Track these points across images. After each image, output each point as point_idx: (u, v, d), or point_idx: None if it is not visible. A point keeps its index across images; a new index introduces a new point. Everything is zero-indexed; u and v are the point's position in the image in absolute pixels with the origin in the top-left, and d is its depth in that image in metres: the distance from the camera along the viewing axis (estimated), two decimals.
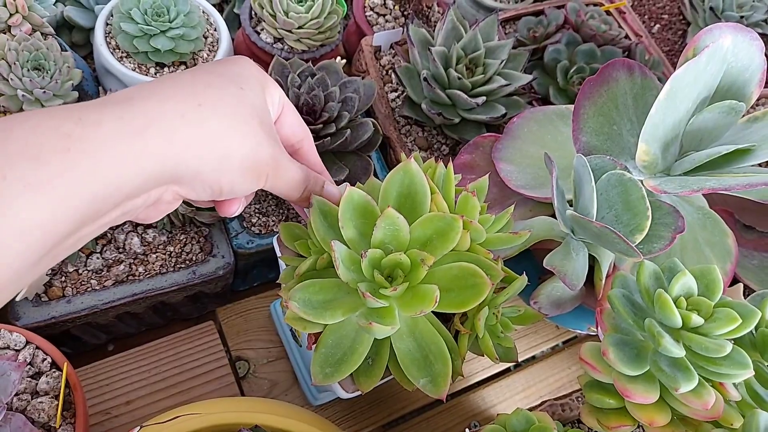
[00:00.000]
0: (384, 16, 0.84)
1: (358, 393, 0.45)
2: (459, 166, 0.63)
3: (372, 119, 0.62)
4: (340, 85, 0.63)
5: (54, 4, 0.76)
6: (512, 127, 0.62)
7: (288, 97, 0.60)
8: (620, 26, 0.88)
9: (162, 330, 0.64)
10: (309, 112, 0.61)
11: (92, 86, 0.69)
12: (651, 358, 0.35)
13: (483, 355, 0.46)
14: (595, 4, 0.92)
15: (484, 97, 0.67)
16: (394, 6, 0.85)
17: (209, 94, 0.33)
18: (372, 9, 0.84)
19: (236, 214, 0.39)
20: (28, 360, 0.45)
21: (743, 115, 0.56)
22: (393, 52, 0.76)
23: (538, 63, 0.79)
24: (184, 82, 0.33)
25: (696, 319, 0.33)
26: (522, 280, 0.44)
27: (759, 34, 0.90)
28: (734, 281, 0.62)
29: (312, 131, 0.60)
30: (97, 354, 0.60)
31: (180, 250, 0.59)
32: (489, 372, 0.70)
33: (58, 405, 0.43)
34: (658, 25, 0.94)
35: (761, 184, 0.42)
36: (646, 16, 0.95)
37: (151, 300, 0.58)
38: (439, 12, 0.87)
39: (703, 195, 0.60)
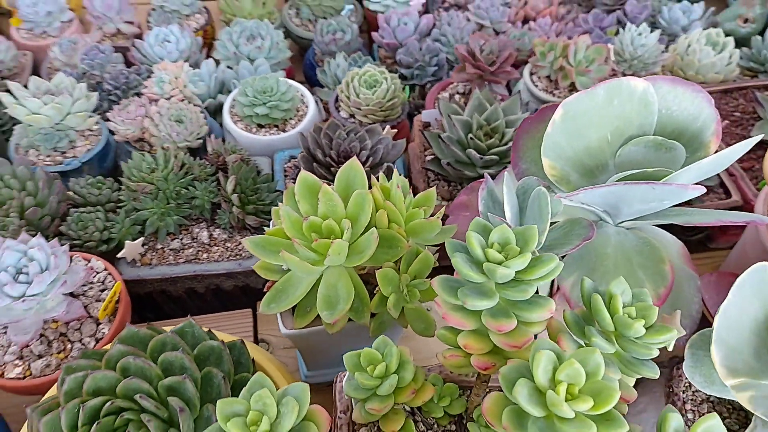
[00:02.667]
0: None
1: (295, 330, 0.57)
2: (456, 205, 0.74)
3: (390, 164, 0.78)
4: (375, 141, 0.81)
5: (215, 95, 1.09)
6: (501, 175, 0.72)
7: (332, 146, 0.80)
8: None
9: None
10: (344, 156, 0.79)
11: None
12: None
13: (406, 326, 0.56)
14: None
15: (496, 157, 0.79)
16: (460, 99, 1.02)
17: None
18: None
19: None
20: (102, 279, 0.67)
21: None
22: (438, 125, 0.92)
23: None
24: None
25: (494, 255, 0.41)
26: (428, 255, 0.54)
27: None
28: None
29: None
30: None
31: (235, 247, 0.78)
32: None
33: (106, 306, 0.63)
34: (727, 121, 0.97)
35: (617, 184, 0.48)
36: None
37: (207, 280, 0.77)
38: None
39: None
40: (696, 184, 0.53)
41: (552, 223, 0.58)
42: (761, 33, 1.25)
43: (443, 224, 0.76)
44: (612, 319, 0.42)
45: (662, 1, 1.35)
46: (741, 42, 1.23)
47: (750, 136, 0.94)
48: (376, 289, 0.55)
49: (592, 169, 0.57)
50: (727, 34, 1.19)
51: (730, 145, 0.94)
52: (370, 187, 0.60)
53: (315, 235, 0.54)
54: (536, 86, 1.04)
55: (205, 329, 0.54)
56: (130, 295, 0.74)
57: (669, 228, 0.64)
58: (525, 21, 1.35)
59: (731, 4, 1.37)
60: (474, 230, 0.44)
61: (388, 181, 0.62)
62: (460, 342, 0.43)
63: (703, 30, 1.20)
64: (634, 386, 0.71)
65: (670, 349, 0.54)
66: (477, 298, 0.41)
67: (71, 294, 0.64)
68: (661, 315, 0.57)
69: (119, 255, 0.74)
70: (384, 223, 0.55)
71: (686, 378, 0.56)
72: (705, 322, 0.67)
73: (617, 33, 1.23)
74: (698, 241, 0.92)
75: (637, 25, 1.23)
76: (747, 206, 0.85)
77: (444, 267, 0.55)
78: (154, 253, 0.77)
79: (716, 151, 0.61)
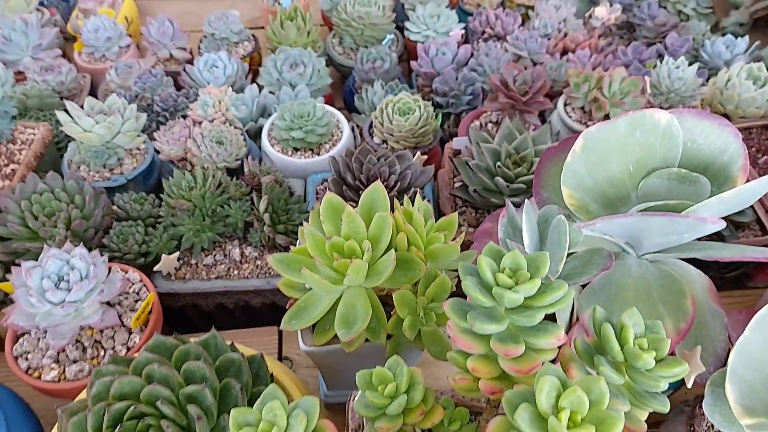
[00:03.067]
0: None
1: (314, 348, 0.58)
2: (480, 232, 0.75)
3: (417, 188, 0.80)
4: (405, 167, 0.83)
5: (257, 119, 1.14)
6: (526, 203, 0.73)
7: (362, 170, 0.82)
8: None
9: None
10: (374, 180, 0.81)
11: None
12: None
13: (423, 348, 0.56)
14: None
15: (523, 185, 0.80)
16: (492, 128, 1.04)
17: None
18: (474, 130, 1.04)
19: None
20: (137, 290, 0.71)
21: None
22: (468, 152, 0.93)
23: None
24: None
25: (503, 279, 0.42)
26: (444, 279, 0.55)
27: None
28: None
29: None
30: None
31: (265, 265, 0.81)
32: None
33: (139, 316, 0.66)
34: (765, 157, 0.94)
35: (635, 215, 0.48)
36: (753, 149, 0.96)
37: (236, 296, 0.80)
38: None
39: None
40: (723, 218, 0.52)
41: (572, 253, 0.58)
42: None
43: (468, 250, 0.77)
44: (622, 349, 0.42)
45: (705, 34, 1.34)
46: None
47: None
48: (394, 311, 0.57)
49: (614, 200, 0.57)
50: None
51: None
52: (392, 210, 0.62)
53: (337, 255, 0.56)
54: (570, 117, 1.04)
55: (228, 342, 0.56)
56: (163, 308, 0.77)
57: (703, 264, 0.63)
58: (564, 52, 1.35)
59: None
60: (486, 255, 0.45)
61: (407, 197, 0.63)
62: (469, 365, 0.43)
63: (745, 64, 1.18)
64: (656, 425, 0.69)
65: (689, 386, 0.54)
66: (486, 321, 0.42)
67: (107, 303, 0.68)
68: (681, 351, 0.56)
69: (156, 268, 0.77)
70: (404, 246, 0.57)
71: (707, 417, 0.55)
72: None
73: (656, 66, 1.22)
74: (734, 278, 0.90)
75: (675, 59, 1.23)
76: None
77: (463, 293, 0.55)
78: (188, 268, 0.81)
79: None
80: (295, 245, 0.82)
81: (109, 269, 0.68)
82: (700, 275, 0.62)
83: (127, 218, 0.81)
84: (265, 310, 0.83)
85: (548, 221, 0.59)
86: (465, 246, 0.69)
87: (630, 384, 0.42)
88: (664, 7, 1.50)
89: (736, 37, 1.35)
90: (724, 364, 0.58)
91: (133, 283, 0.72)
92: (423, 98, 1.26)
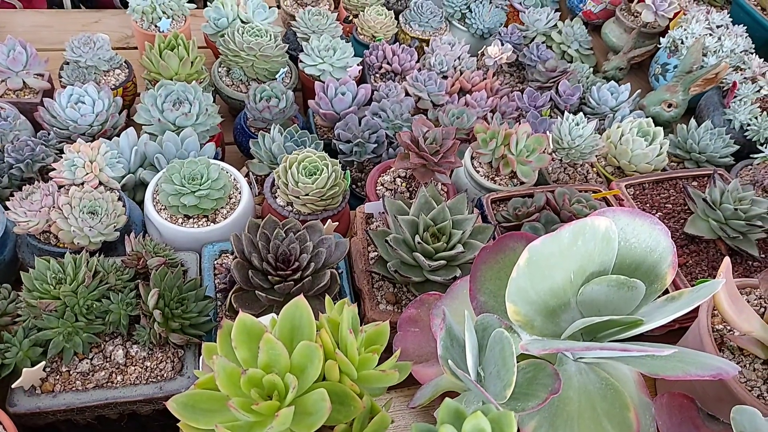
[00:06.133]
0: (392, 191, 0.98)
1: None
2: (404, 319, 0.70)
3: (332, 270, 0.73)
4: (317, 241, 0.75)
5: (135, 170, 0.99)
6: (454, 288, 0.68)
7: (269, 248, 0.73)
8: None
9: None
10: (284, 261, 0.72)
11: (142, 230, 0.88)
12: None
13: None
14: (595, 191, 0.99)
15: (444, 261, 0.75)
16: (401, 183, 0.99)
17: None
18: (383, 185, 0.99)
19: None
20: None
21: (661, 295, 0.59)
22: (382, 219, 0.88)
23: None
24: None
25: None
26: (384, 417, 0.48)
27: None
28: None
29: (282, 276, 0.71)
30: None
31: (155, 366, 0.69)
32: None
33: None
34: (659, 213, 0.99)
35: (596, 349, 0.45)
36: (648, 204, 1.00)
37: (121, 407, 0.67)
38: (443, 190, 0.99)
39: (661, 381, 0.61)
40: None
41: None
42: (684, 116, 1.31)
43: (391, 340, 0.71)
44: None
45: (589, 77, 1.40)
46: (664, 125, 1.29)
47: (682, 230, 0.97)
48: None
49: (555, 309, 0.54)
50: (651, 116, 1.24)
51: None
52: (316, 317, 0.54)
53: (255, 392, 0.47)
54: (477, 171, 1.02)
55: None
56: (28, 428, 0.63)
57: None
58: (460, 91, 1.35)
59: (655, 87, 1.43)
60: (446, 420, 0.39)
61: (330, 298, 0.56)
62: None
63: (631, 113, 1.25)
64: None
65: None
66: None
67: None
68: None
69: (14, 385, 0.63)
70: (335, 376, 0.49)
71: None
72: None
73: (550, 114, 1.25)
74: None
75: (569, 108, 1.26)
76: None
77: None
78: (57, 377, 0.67)
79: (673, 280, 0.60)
80: (196, 343, 0.71)
81: None
82: (630, 370, 0.61)
83: None
84: (157, 416, 0.71)
85: (487, 330, 0.55)
86: (392, 324, 0.62)
87: None
88: (550, 47, 1.55)
89: (617, 82, 1.42)
90: None
91: None
92: (321, 138, 1.19)
